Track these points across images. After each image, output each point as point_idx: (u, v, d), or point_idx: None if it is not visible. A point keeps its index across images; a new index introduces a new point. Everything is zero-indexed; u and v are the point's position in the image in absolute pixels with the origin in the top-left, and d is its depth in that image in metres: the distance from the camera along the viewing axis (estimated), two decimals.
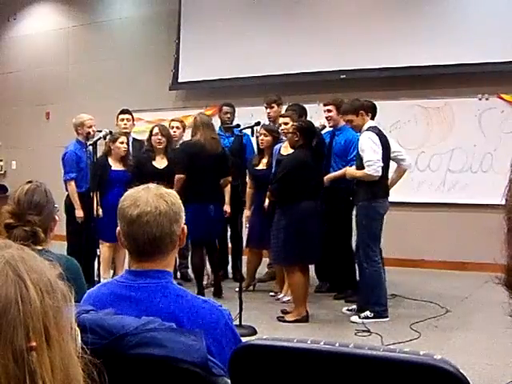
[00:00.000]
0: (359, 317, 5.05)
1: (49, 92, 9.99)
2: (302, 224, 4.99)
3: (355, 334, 4.73)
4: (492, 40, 6.91)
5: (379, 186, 5.08)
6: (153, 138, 6.10)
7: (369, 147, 4.99)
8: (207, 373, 1.48)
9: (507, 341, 4.33)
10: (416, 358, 1.26)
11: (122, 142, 5.94)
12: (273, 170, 5.56)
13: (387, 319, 5.04)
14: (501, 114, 7.06)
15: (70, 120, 6.45)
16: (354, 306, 5.28)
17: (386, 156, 5.12)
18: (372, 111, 5.46)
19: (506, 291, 0.83)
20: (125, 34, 9.48)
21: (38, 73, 10.10)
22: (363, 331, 4.79)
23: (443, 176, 7.36)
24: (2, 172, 10.54)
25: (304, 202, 5.02)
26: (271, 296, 5.95)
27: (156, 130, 6.14)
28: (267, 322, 5.10)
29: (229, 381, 1.48)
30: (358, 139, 5.63)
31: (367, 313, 5.03)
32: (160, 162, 6.10)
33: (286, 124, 5.67)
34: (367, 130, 5.11)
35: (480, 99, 7.15)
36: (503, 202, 0.85)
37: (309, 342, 1.37)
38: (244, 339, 1.67)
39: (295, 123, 5.27)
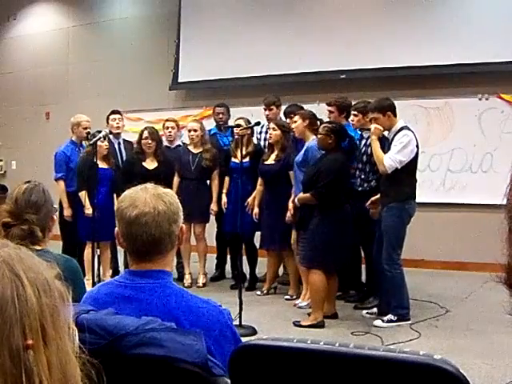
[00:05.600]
0: (383, 321, 4.94)
1: (49, 92, 9.99)
2: (343, 228, 4.97)
3: (351, 333, 4.74)
4: (492, 40, 6.91)
5: (412, 187, 5.00)
6: (142, 141, 6.18)
7: (400, 146, 4.88)
8: (207, 373, 1.48)
9: (507, 341, 4.33)
10: (416, 358, 1.26)
11: (103, 141, 5.92)
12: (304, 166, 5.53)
13: (409, 322, 4.97)
14: (501, 114, 7.06)
15: (69, 120, 6.48)
16: (375, 310, 5.20)
17: (417, 158, 5.05)
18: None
19: (507, 290, 0.83)
20: (125, 33, 9.48)
21: (38, 73, 10.10)
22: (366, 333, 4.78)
23: (443, 176, 7.36)
24: (2, 172, 10.54)
25: (345, 206, 5.03)
26: (287, 300, 5.86)
27: (146, 133, 6.19)
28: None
29: (229, 381, 1.47)
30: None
31: (391, 316, 4.94)
32: (150, 164, 6.16)
33: (295, 122, 5.69)
34: (405, 128, 4.99)
35: (480, 99, 7.15)
36: (504, 202, 0.85)
37: (309, 341, 1.37)
38: (244, 339, 1.67)
39: (329, 125, 5.18)
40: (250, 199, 6.07)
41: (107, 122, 6.66)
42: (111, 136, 6.46)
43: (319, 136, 5.18)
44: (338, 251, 4.97)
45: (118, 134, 6.62)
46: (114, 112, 6.72)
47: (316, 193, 5.08)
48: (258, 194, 6.08)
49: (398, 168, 4.88)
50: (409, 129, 5.02)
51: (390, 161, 4.87)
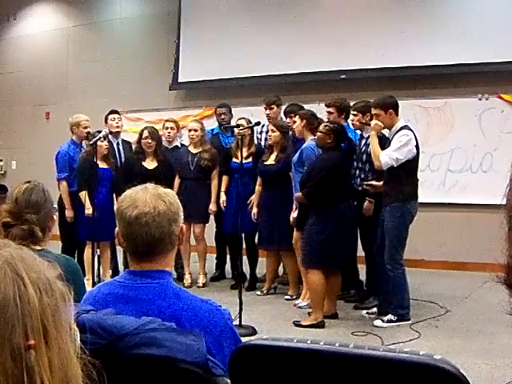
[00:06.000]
0: (383, 321, 4.94)
1: (49, 92, 9.99)
2: (339, 227, 4.96)
3: (351, 333, 4.74)
4: (492, 40, 6.91)
5: (413, 187, 4.98)
6: (143, 141, 6.18)
7: (399, 145, 4.87)
8: (207, 373, 1.48)
9: (507, 341, 4.33)
10: (416, 358, 1.26)
11: (103, 141, 5.92)
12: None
13: (409, 322, 4.97)
14: (501, 114, 7.06)
15: (69, 120, 6.48)
16: (375, 310, 5.21)
17: (418, 157, 5.03)
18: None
19: (506, 290, 0.83)
20: (125, 33, 9.47)
21: (38, 73, 10.09)
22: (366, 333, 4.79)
23: (443, 176, 7.36)
24: (2, 172, 10.53)
25: (340, 205, 5.01)
26: (287, 300, 5.86)
27: (146, 133, 6.20)
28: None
29: (229, 381, 1.47)
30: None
31: (391, 316, 4.94)
32: (150, 163, 6.17)
33: (294, 123, 5.69)
34: (405, 128, 4.98)
35: (480, 99, 7.15)
36: (503, 202, 0.85)
37: (308, 341, 1.37)
38: (244, 339, 1.67)
39: (330, 124, 5.18)
40: (252, 197, 6.08)
41: (105, 122, 6.67)
42: (110, 136, 6.47)
43: (318, 134, 5.18)
44: (335, 250, 4.95)
45: (118, 133, 6.64)
46: (112, 112, 6.74)
47: (305, 192, 5.10)
48: (257, 194, 6.09)
49: (393, 166, 4.88)
50: (409, 128, 5.02)
51: (386, 157, 4.87)
